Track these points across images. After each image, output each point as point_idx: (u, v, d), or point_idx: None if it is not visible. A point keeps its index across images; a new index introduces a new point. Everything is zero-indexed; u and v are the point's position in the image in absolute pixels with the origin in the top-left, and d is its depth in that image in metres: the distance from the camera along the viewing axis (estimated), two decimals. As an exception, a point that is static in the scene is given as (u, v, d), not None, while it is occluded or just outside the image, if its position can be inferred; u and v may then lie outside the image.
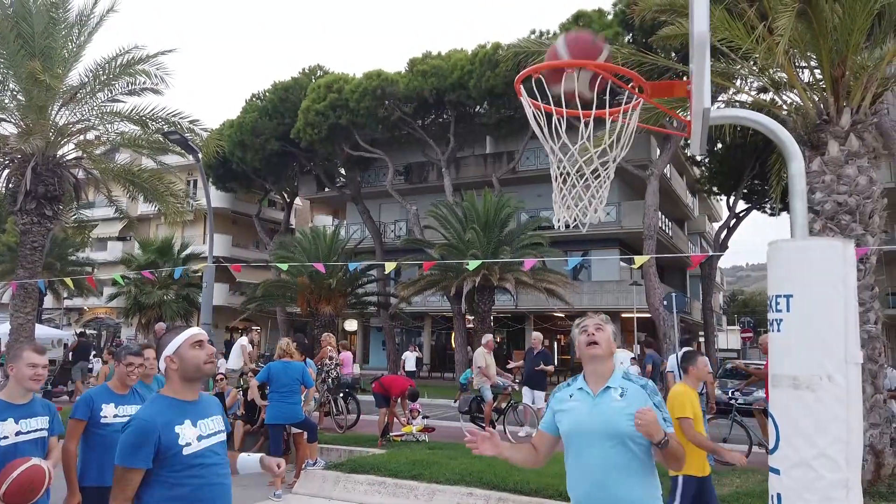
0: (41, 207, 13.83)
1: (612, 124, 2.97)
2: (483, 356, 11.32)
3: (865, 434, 6.49)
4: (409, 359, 23.05)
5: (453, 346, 28.96)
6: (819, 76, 8.00)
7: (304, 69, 32.43)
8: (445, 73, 26.06)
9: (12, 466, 3.22)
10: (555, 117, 2.89)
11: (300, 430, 8.09)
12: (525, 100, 2.82)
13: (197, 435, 2.56)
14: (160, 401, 2.61)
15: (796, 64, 8.27)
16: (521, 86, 2.84)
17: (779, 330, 2.22)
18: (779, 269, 2.24)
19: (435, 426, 10.86)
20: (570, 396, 2.79)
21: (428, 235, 26.67)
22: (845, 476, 2.08)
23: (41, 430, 3.49)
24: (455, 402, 17.16)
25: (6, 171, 14.34)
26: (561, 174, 2.94)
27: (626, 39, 21.35)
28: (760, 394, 10.76)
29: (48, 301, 33.71)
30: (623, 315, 28.14)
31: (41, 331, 20.80)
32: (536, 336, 12.46)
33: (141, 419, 2.51)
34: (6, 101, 13.88)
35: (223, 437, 2.74)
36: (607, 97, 3.23)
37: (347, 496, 7.27)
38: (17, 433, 3.32)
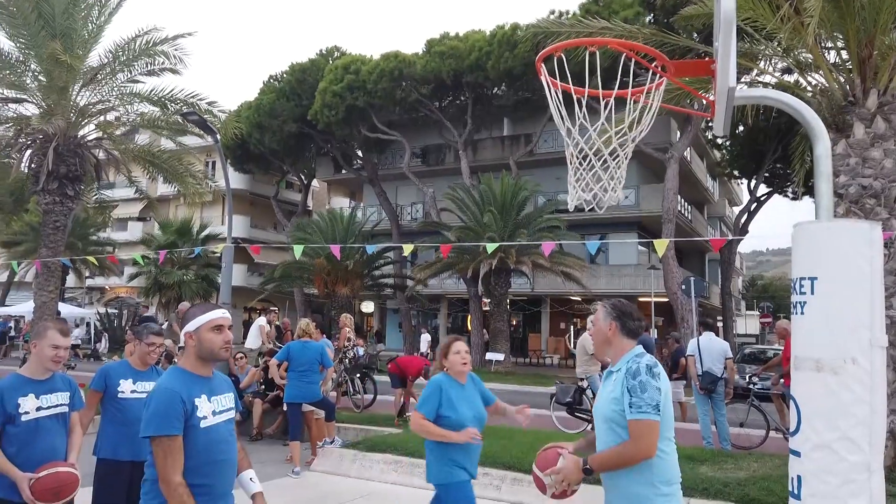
0: (63, 187, 14.00)
1: (632, 105, 2.93)
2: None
3: (887, 419, 6.43)
4: (423, 340, 23.19)
5: (469, 328, 29.04)
6: (845, 57, 7.83)
7: (321, 50, 32.35)
8: (463, 55, 25.85)
9: (53, 464, 3.27)
10: (575, 97, 2.86)
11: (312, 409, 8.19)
12: (545, 79, 2.79)
13: (212, 410, 2.60)
14: (178, 372, 2.65)
15: (822, 44, 8.10)
16: (543, 65, 2.81)
17: (802, 312, 2.19)
18: (803, 250, 2.20)
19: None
20: (604, 377, 2.93)
21: (445, 218, 26.66)
22: (867, 459, 2.06)
23: (62, 405, 3.51)
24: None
25: (29, 152, 14.52)
26: (579, 153, 2.91)
27: (647, 20, 21.01)
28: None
29: (70, 280, 34.25)
30: (640, 299, 28.00)
31: (64, 309, 21.16)
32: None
33: (164, 387, 2.53)
34: (28, 81, 14.01)
35: (233, 414, 2.77)
36: (630, 78, 3.19)
37: (364, 474, 7.35)
38: (38, 408, 3.35)
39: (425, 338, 23.30)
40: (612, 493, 2.66)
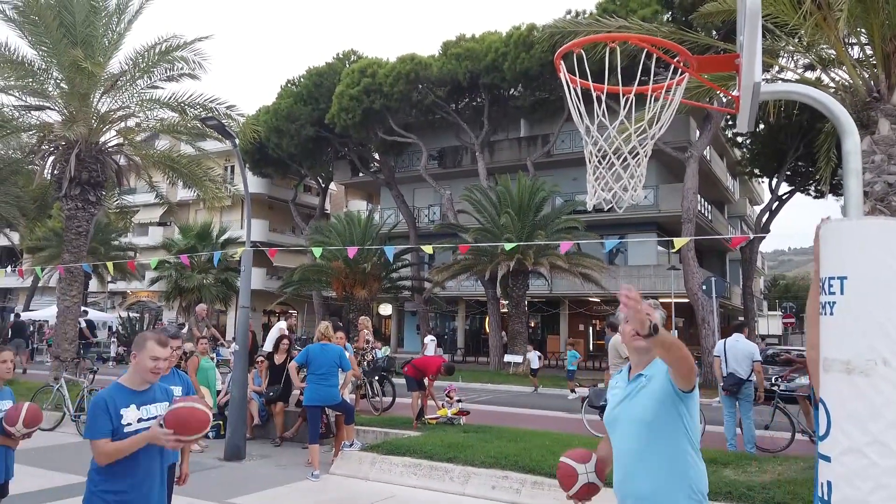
0: (85, 193, 14.19)
1: (652, 102, 2.87)
2: None
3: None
4: (430, 344, 22.78)
5: (488, 330, 28.97)
6: (869, 52, 7.69)
7: (338, 54, 32.50)
8: (479, 56, 25.82)
9: (190, 400, 3.21)
10: (594, 94, 2.81)
11: (338, 413, 8.21)
12: (565, 76, 2.75)
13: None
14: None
15: (845, 40, 7.96)
16: (562, 63, 2.77)
17: (831, 313, 2.13)
18: (832, 249, 2.14)
19: (469, 410, 10.89)
20: (616, 384, 2.79)
21: (462, 220, 26.63)
22: None
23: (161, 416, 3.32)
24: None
25: (51, 158, 14.74)
26: (598, 152, 2.87)
27: (666, 18, 20.83)
28: (803, 380, 10.50)
29: (93, 285, 34.68)
30: (661, 300, 27.68)
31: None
32: None
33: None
34: (50, 89, 14.23)
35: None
36: (650, 77, 3.13)
37: (383, 477, 7.34)
38: (139, 420, 3.21)
39: (430, 340, 22.91)
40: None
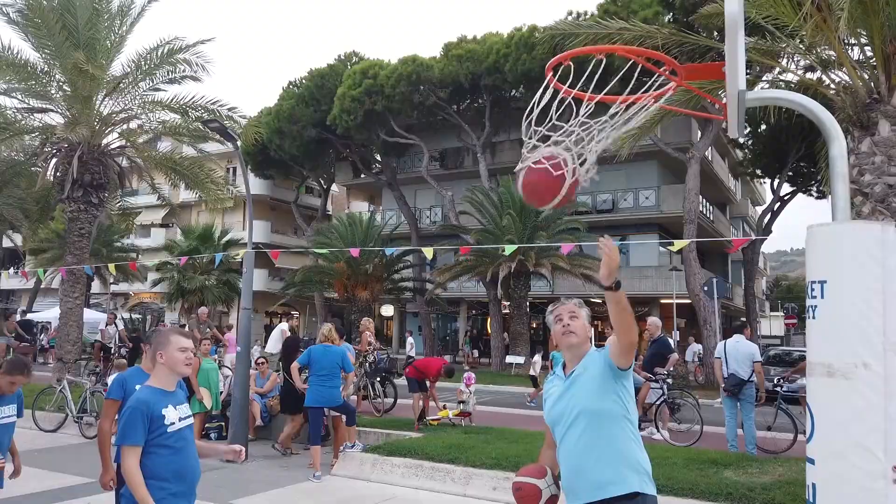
0: (87, 195, 14.25)
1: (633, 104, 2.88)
2: None
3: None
4: (408, 345, 22.61)
5: (489, 331, 28.97)
6: (870, 53, 7.69)
7: (339, 56, 32.52)
8: (481, 58, 25.85)
9: None
10: (583, 102, 2.84)
11: (339, 414, 8.24)
12: (554, 85, 2.78)
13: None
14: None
15: (845, 41, 7.96)
16: (553, 69, 2.80)
17: (814, 317, 2.16)
18: (814, 254, 2.17)
19: (470, 411, 10.89)
20: (552, 383, 2.85)
21: (463, 221, 26.65)
22: (883, 468, 2.00)
23: (191, 416, 3.37)
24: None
25: (54, 161, 14.81)
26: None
27: (667, 19, 20.81)
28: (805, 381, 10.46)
29: (95, 286, 34.76)
30: (662, 301, 27.74)
31: (89, 315, 21.45)
32: (653, 322, 10.81)
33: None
34: (53, 91, 14.29)
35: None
36: (635, 73, 3.13)
37: (385, 478, 7.37)
38: (180, 419, 3.20)
39: (410, 342, 22.67)
40: (601, 465, 2.56)
